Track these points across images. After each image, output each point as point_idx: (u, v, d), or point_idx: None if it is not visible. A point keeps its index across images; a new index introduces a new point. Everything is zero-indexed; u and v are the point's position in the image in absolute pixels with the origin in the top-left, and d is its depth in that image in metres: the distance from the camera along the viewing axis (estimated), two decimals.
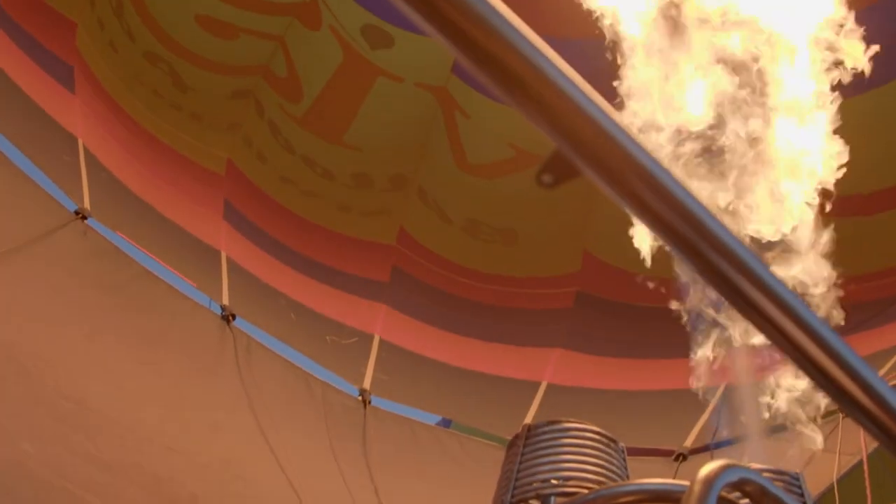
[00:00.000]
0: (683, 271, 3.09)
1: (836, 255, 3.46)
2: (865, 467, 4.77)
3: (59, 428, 5.06)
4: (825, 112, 3.65)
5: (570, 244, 6.20)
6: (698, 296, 3.25)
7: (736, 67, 3.61)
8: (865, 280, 5.37)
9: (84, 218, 5.90)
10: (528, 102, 0.79)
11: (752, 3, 3.69)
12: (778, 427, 3.24)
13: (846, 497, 5.03)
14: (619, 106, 3.50)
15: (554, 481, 2.41)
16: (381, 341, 6.37)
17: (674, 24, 3.62)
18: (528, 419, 6.08)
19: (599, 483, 2.37)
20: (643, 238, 3.36)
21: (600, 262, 6.16)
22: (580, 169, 0.82)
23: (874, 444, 4.56)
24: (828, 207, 3.58)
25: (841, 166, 3.62)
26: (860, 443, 4.79)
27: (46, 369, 5.23)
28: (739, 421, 3.42)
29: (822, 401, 3.21)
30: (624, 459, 2.53)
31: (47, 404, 5.10)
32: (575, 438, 2.48)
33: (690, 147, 3.50)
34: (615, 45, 3.68)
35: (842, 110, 3.71)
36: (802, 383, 3.13)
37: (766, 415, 3.23)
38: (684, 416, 6.04)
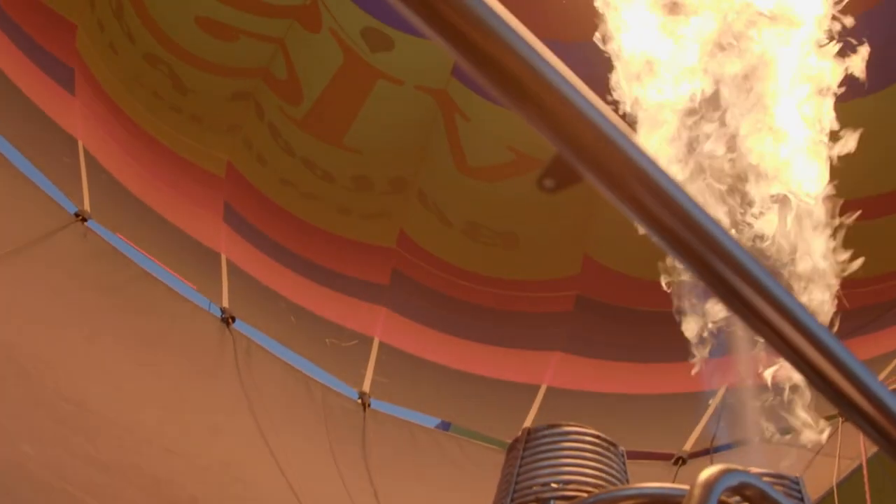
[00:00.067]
0: (685, 275, 3.09)
1: (836, 260, 3.46)
2: (865, 471, 4.76)
3: (58, 429, 5.07)
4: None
5: (570, 248, 6.19)
6: (698, 298, 3.25)
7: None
8: (864, 284, 5.36)
9: (84, 220, 5.90)
10: (527, 106, 0.79)
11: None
12: (778, 430, 3.24)
13: (846, 501, 5.03)
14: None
15: (554, 485, 2.41)
16: (381, 344, 6.36)
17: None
18: (528, 422, 6.08)
19: (599, 487, 2.37)
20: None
21: (600, 265, 6.15)
22: (580, 173, 0.82)
23: (874, 449, 4.56)
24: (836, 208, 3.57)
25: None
26: (860, 447, 4.79)
27: (46, 371, 5.23)
28: (739, 425, 3.42)
29: (822, 404, 3.20)
30: (624, 463, 2.53)
31: (47, 406, 5.10)
32: (575, 442, 2.48)
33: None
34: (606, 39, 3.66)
35: (840, 115, 3.71)
36: (802, 385, 3.13)
37: (765, 419, 3.22)
38: (684, 419, 6.04)
